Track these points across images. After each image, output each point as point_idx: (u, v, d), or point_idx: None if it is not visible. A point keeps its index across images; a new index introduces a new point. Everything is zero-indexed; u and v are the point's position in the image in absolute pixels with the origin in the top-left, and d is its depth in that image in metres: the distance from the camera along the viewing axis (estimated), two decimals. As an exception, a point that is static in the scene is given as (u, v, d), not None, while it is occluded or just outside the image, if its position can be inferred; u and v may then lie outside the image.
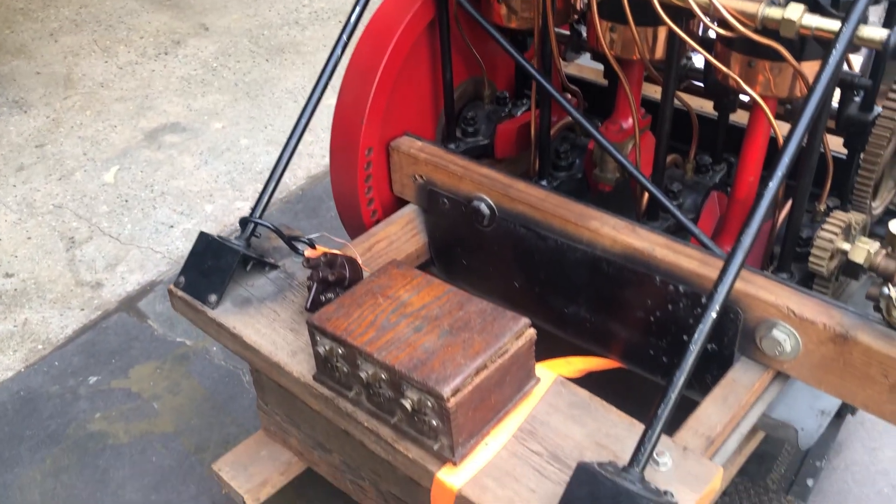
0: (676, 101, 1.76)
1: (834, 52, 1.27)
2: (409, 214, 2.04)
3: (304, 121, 1.74)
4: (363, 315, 1.41)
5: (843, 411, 2.17)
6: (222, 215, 3.25)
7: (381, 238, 1.97)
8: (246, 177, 3.45)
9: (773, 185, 1.23)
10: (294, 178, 3.44)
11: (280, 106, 3.93)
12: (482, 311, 1.41)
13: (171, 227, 3.19)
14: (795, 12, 1.39)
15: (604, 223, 1.70)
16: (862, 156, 1.62)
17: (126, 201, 3.33)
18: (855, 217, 1.60)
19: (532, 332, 1.38)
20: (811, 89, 1.27)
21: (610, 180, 1.96)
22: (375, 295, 1.46)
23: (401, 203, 2.07)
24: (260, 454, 1.92)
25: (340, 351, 1.38)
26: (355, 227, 2.06)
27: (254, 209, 1.73)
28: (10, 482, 2.26)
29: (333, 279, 1.58)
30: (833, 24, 1.34)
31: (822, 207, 1.69)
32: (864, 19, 1.32)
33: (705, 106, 2.02)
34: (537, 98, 1.91)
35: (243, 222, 1.72)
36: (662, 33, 1.71)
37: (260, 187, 3.39)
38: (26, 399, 2.50)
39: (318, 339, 1.41)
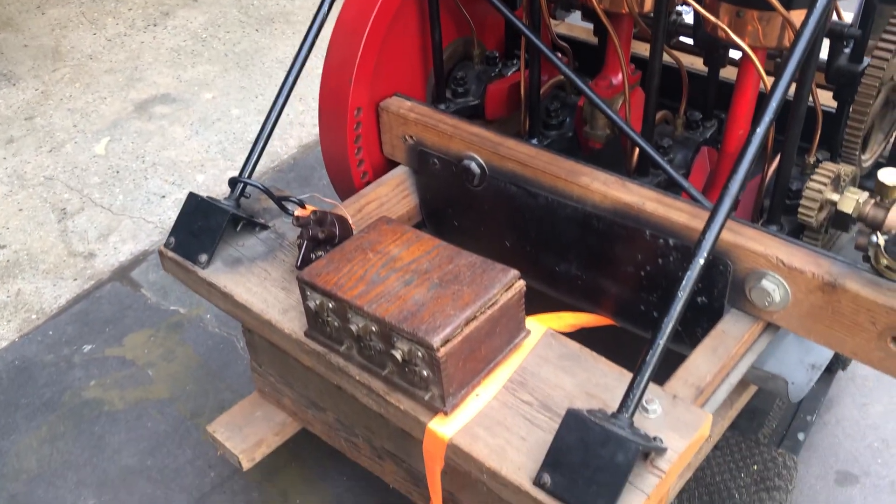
0: (666, 57, 1.75)
1: (822, -4, 1.26)
2: (399, 176, 2.03)
3: (291, 78, 1.73)
4: (353, 270, 1.41)
5: (834, 366, 2.18)
6: (214, 185, 3.24)
7: (371, 199, 1.96)
8: (237, 147, 3.44)
9: (760, 130, 1.23)
10: (286, 147, 3.43)
11: (271, 76, 3.90)
12: (472, 265, 1.41)
13: (163, 197, 3.18)
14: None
15: (594, 179, 1.70)
16: (851, 108, 1.62)
17: (117, 172, 3.32)
18: (844, 169, 1.60)
19: (521, 283, 1.39)
20: (798, 33, 1.27)
21: (600, 137, 1.95)
22: (365, 250, 1.46)
23: (391, 165, 2.07)
24: (254, 415, 1.93)
25: (331, 305, 1.38)
26: (346, 189, 2.05)
27: (242, 169, 1.72)
28: (6, 449, 2.27)
29: (323, 237, 1.58)
30: (821, -31, 1.33)
31: (812, 160, 1.69)
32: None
33: (696, 63, 2.01)
34: (527, 56, 1.89)
35: (232, 182, 1.71)
36: (651, -15, 1.70)
37: (251, 157, 3.38)
38: (21, 368, 2.50)
39: (309, 293, 1.41)
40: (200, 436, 2.26)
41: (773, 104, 1.22)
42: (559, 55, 2.08)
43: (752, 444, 1.87)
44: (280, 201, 1.71)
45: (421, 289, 1.36)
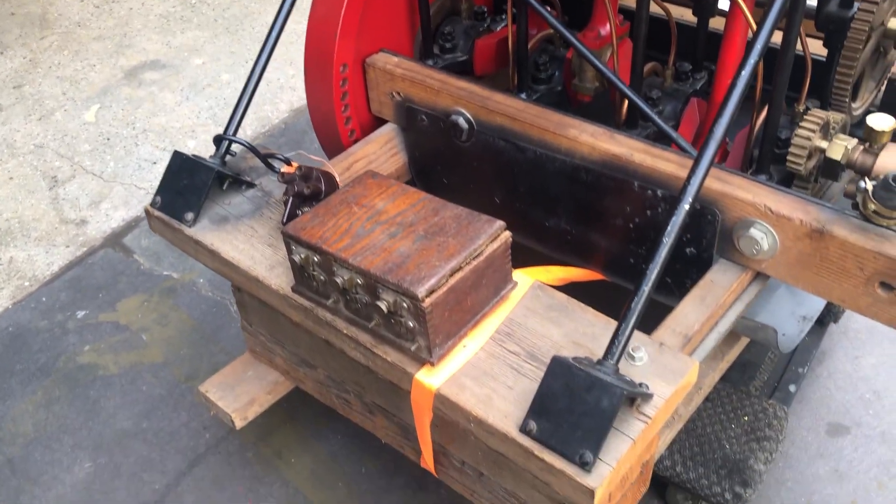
0: (656, 9, 1.73)
1: (808, -65, 1.24)
2: (388, 133, 2.01)
3: (275, 33, 1.71)
4: (338, 223, 1.40)
5: (826, 319, 2.18)
6: (205, 151, 3.20)
7: (359, 157, 1.95)
8: (228, 112, 3.41)
9: (744, 74, 1.21)
10: (277, 111, 3.41)
11: (261, 40, 3.83)
12: (457, 216, 1.40)
13: (154, 163, 3.16)
14: None
15: (582, 131, 1.68)
16: (840, 54, 1.60)
17: (108, 139, 3.30)
18: (833, 116, 1.58)
19: (507, 234, 1.38)
20: (784, -26, 1.24)
21: (589, 90, 1.93)
22: (350, 204, 1.45)
23: (380, 123, 2.05)
24: (246, 375, 1.93)
25: (316, 259, 1.38)
26: (334, 148, 2.04)
27: (227, 127, 1.71)
28: (2, 414, 2.28)
29: (309, 193, 1.57)
30: None
31: (801, 108, 1.67)
32: None
33: (686, 14, 1.99)
34: (514, 9, 1.87)
35: (217, 140, 1.70)
36: (638, -67, 1.67)
37: (243, 121, 3.35)
38: (15, 334, 2.51)
39: (294, 248, 1.40)
40: (195, 398, 2.27)
41: (758, 47, 1.20)
42: (547, 8, 2.05)
43: (742, 396, 1.88)
44: (266, 158, 1.69)
45: (406, 241, 1.35)
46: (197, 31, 3.95)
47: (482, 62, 2.08)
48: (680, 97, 1.85)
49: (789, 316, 1.79)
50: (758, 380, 2.04)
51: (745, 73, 1.21)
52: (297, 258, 1.40)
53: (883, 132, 1.42)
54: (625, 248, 1.74)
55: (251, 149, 1.68)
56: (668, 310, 1.56)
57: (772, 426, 1.80)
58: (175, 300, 2.60)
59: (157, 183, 3.02)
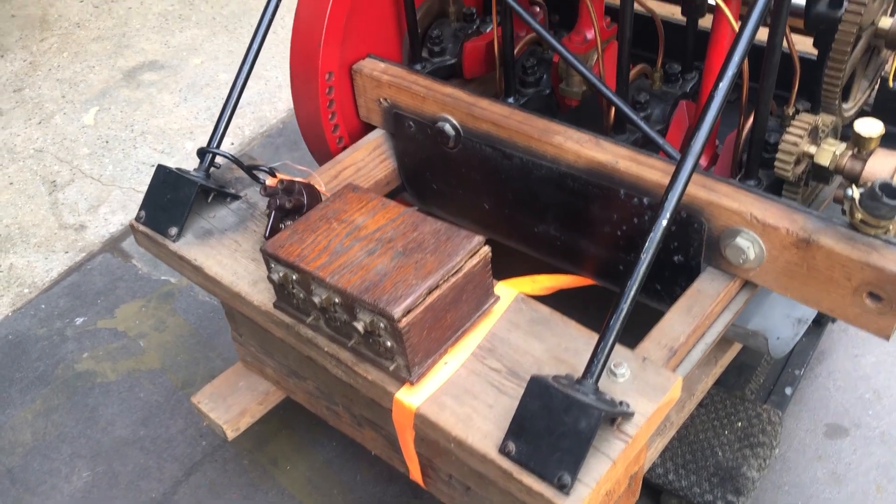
0: (641, 8, 1.70)
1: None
2: (376, 140, 2.00)
3: (256, 44, 1.70)
4: (317, 240, 1.39)
5: (823, 320, 2.16)
6: (203, 152, 3.21)
7: (347, 165, 1.94)
8: (226, 112, 3.40)
9: (724, 81, 1.18)
10: (275, 111, 3.39)
11: (259, 38, 3.84)
12: (436, 231, 1.38)
13: (153, 166, 3.15)
14: None
15: (567, 138, 1.66)
16: (829, 55, 1.57)
17: (107, 142, 3.30)
18: (823, 119, 1.55)
19: (486, 250, 1.36)
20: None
21: (577, 94, 1.91)
22: (330, 220, 1.44)
23: (369, 129, 2.03)
24: (238, 385, 1.93)
25: (294, 277, 1.37)
26: (322, 155, 2.03)
27: (210, 139, 1.70)
28: (1, 423, 2.29)
29: (291, 206, 1.56)
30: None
31: (791, 111, 1.64)
32: None
33: (677, 13, 1.95)
34: (500, 11, 1.84)
35: (201, 153, 1.69)
36: (622, -66, 1.63)
37: (241, 122, 3.35)
38: (14, 343, 2.52)
39: (272, 266, 1.39)
40: (192, 405, 2.27)
41: (740, 50, 1.17)
42: (536, 9, 2.03)
43: (736, 401, 1.86)
44: (250, 170, 1.68)
45: (384, 258, 1.34)
46: (195, 29, 3.94)
47: (471, 65, 2.06)
48: (669, 100, 1.82)
49: (784, 319, 1.77)
50: (753, 383, 2.02)
51: (726, 79, 1.19)
52: (275, 276, 1.39)
53: (870, 139, 1.39)
54: (614, 254, 1.72)
55: (235, 161, 1.67)
56: (657, 313, 1.54)
57: (766, 432, 1.79)
58: (173, 305, 2.60)
59: (155, 186, 3.04)
